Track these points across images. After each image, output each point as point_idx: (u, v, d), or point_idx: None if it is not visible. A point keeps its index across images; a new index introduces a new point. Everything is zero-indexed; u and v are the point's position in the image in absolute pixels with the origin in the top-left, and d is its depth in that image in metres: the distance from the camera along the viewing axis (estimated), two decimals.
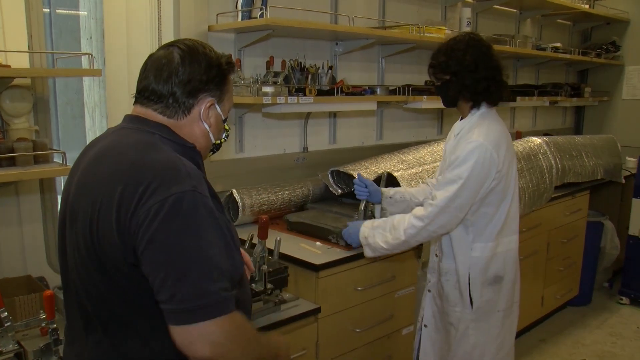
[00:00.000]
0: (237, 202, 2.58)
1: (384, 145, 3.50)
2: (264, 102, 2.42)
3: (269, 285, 1.95)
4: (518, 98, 4.02)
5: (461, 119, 2.14)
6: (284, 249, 2.29)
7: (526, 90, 4.27)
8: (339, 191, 2.88)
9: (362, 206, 2.40)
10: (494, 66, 2.04)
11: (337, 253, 2.28)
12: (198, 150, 1.32)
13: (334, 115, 3.22)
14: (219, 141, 1.41)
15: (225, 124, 1.40)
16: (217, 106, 1.34)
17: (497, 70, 2.05)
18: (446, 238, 2.15)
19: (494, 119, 2.09)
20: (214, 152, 1.43)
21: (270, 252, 2.07)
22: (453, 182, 1.98)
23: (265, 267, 1.92)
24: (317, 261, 2.18)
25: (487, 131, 2.01)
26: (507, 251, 2.14)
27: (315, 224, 2.49)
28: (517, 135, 4.35)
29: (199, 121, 1.32)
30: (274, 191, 2.71)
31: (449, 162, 2.04)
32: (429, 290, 2.30)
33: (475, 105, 2.07)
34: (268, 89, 2.47)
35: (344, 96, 2.81)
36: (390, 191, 2.39)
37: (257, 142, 2.86)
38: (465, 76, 2.01)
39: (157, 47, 1.35)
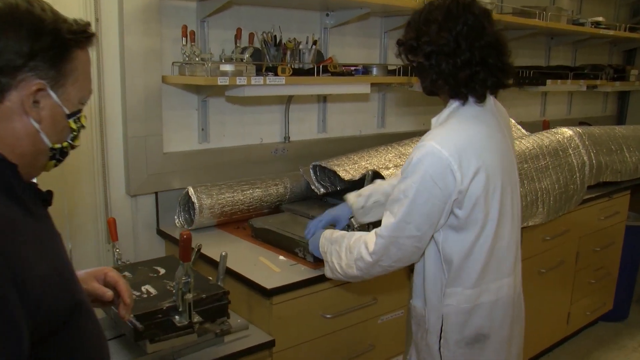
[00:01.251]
0: (194, 203, 2.17)
1: (386, 134, 3.02)
2: (219, 83, 1.98)
3: (196, 318, 1.52)
4: (548, 82, 3.47)
5: None
6: (239, 264, 1.87)
7: (559, 72, 3.70)
8: (322, 190, 2.44)
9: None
10: (487, 44, 1.44)
11: (300, 272, 1.84)
12: (12, 162, 0.89)
13: (323, 99, 2.75)
14: (63, 144, 0.97)
15: (74, 119, 0.97)
16: (51, 92, 0.91)
17: (491, 49, 1.45)
18: (420, 265, 1.62)
19: (472, 116, 1.50)
20: (58, 161, 0.99)
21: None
22: (398, 201, 1.48)
23: (189, 295, 1.50)
24: (270, 284, 1.74)
25: (449, 132, 1.47)
26: (496, 301, 1.56)
27: (280, 231, 2.05)
28: (545, 126, 3.79)
29: (20, 114, 0.89)
30: (242, 189, 2.28)
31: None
32: None
33: (457, 97, 1.50)
34: (227, 68, 2.02)
35: (329, 76, 2.34)
36: (359, 201, 1.91)
37: (225, 131, 2.42)
38: (441, 59, 1.44)
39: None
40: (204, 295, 1.56)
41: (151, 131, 2.14)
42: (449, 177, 1.43)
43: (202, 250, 1.63)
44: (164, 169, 2.21)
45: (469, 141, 1.46)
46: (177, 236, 2.15)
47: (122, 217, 2.17)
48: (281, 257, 1.95)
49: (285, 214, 2.32)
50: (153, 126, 2.14)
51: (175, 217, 2.28)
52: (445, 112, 1.54)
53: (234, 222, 2.31)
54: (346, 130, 2.88)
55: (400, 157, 2.46)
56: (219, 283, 1.66)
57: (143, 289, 1.62)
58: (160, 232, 2.26)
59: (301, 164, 2.53)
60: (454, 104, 1.52)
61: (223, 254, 1.70)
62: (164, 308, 1.50)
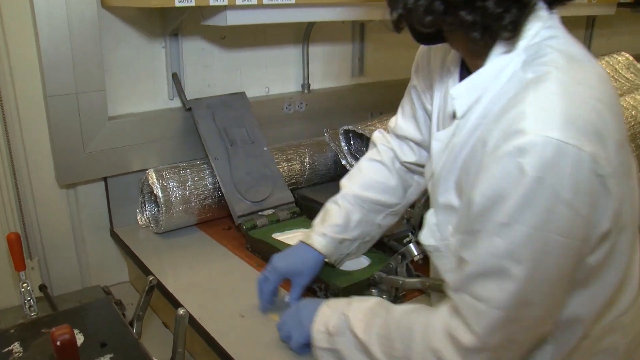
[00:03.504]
0: (158, 196, 1.41)
1: None
2: (178, 5, 1.17)
3: None
4: None
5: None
6: (222, 320, 1.12)
7: None
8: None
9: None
10: None
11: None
12: None
13: (360, 28, 1.89)
14: None
15: None
16: None
17: None
18: None
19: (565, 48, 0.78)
20: None
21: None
22: (493, 276, 0.73)
23: None
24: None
25: (564, 99, 0.71)
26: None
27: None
28: None
29: None
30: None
31: (472, 202, 0.75)
32: None
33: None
34: None
35: None
36: (324, 237, 1.14)
37: (211, 78, 1.62)
38: None
39: None
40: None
41: (86, 85, 1.36)
42: (598, 191, 0.71)
43: (164, 283, 0.92)
44: (113, 142, 1.44)
45: (596, 108, 0.72)
46: (139, 241, 1.44)
47: (52, 220, 1.44)
48: (286, 298, 1.18)
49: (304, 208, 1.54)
50: (89, 78, 1.36)
51: (138, 212, 1.54)
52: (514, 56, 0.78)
53: (224, 218, 1.55)
54: (394, 71, 2.01)
55: None
56: None
57: None
58: (115, 236, 1.52)
59: (327, 127, 1.72)
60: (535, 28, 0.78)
61: (180, 313, 0.95)
62: None
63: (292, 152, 1.65)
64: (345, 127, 1.62)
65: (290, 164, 1.62)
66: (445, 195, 0.90)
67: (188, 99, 1.51)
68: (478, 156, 0.77)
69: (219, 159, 1.47)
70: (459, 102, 0.85)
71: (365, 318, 0.91)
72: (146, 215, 1.53)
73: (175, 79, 1.51)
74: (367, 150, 1.70)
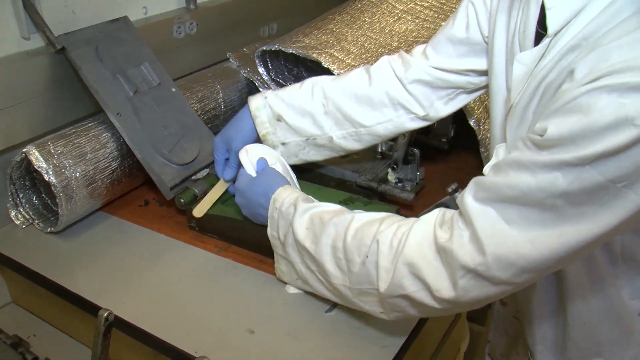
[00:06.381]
0: (49, 182, 0.97)
1: None
2: None
3: None
4: None
5: None
6: (176, 320, 0.81)
7: None
8: None
9: None
10: None
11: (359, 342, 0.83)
12: None
13: None
14: None
15: None
16: None
17: None
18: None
19: None
20: None
21: None
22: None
23: None
24: None
25: None
26: None
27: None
28: None
29: None
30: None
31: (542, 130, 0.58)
32: None
33: None
34: None
35: None
36: (277, 133, 1.03)
37: (74, 3, 1.14)
38: None
39: None
40: None
41: None
42: None
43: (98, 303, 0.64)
44: None
45: None
46: (25, 246, 1.01)
47: None
48: (292, 287, 0.90)
49: None
50: None
51: (10, 208, 1.07)
52: None
53: (133, 192, 1.17)
54: None
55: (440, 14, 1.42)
56: None
57: None
58: None
59: (223, 49, 1.36)
60: None
61: (105, 315, 0.66)
62: None
63: (200, 87, 1.27)
64: (265, 48, 1.29)
65: (203, 103, 1.26)
66: (520, 129, 0.71)
67: (55, 34, 1.04)
68: (562, 81, 0.60)
69: (122, 114, 1.05)
70: (554, 13, 0.63)
71: (314, 226, 0.76)
72: (22, 210, 1.07)
73: (29, 5, 1.02)
74: (293, 73, 1.41)
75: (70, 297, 0.90)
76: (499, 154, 0.75)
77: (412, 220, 0.70)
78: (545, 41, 0.66)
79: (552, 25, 0.64)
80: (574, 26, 0.62)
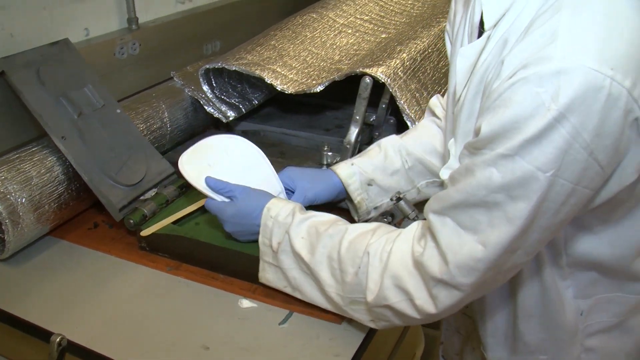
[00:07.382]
0: None
1: None
2: None
3: None
4: None
5: None
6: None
7: None
8: (230, 113, 1.36)
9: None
10: None
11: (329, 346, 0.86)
12: None
13: None
14: None
15: None
16: None
17: None
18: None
19: None
20: None
21: None
22: (489, 211, 0.64)
23: None
24: None
25: (607, 24, 0.59)
26: None
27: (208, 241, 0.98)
28: None
29: None
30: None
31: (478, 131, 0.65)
32: None
33: None
34: None
35: None
36: (370, 198, 1.03)
37: (14, 24, 1.12)
38: None
39: None
40: None
41: None
42: (628, 137, 0.61)
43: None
44: None
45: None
46: None
47: None
48: (245, 302, 0.92)
49: None
50: None
51: None
52: None
53: (81, 215, 1.16)
54: None
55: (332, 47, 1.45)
56: None
57: None
58: None
59: (166, 68, 1.37)
60: None
61: (58, 340, 0.68)
62: None
63: (145, 107, 1.27)
64: (208, 66, 1.31)
65: (148, 123, 1.26)
66: (470, 122, 0.76)
67: None
68: (493, 79, 0.65)
69: (67, 137, 1.05)
70: (488, 9, 0.70)
71: (310, 236, 0.80)
72: None
73: None
74: (237, 89, 1.43)
75: (21, 325, 0.89)
76: (450, 152, 0.80)
77: (399, 231, 0.76)
78: (484, 35, 0.72)
79: (487, 20, 0.70)
80: (504, 22, 0.69)
